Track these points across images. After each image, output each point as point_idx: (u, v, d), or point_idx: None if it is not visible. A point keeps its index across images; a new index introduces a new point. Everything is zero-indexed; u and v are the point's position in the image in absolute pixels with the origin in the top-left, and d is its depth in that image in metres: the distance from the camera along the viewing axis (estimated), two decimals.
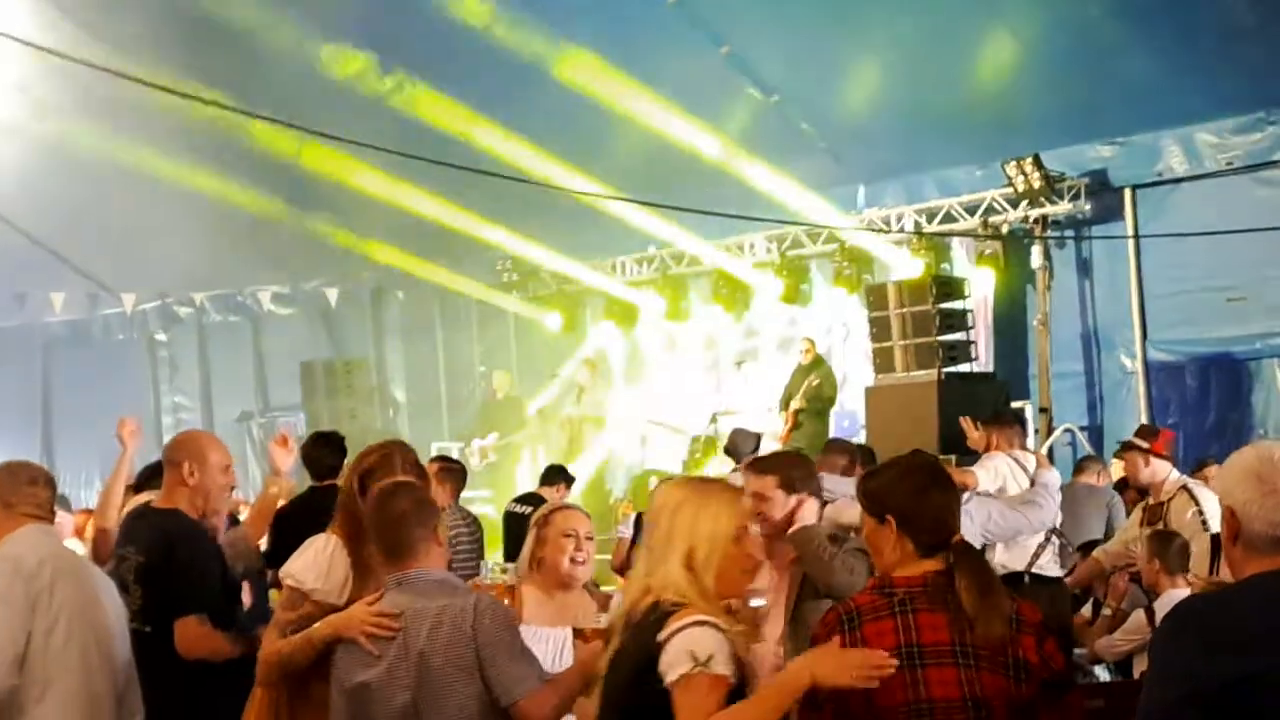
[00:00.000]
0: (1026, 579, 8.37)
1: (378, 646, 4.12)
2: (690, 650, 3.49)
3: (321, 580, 4.60)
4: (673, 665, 3.50)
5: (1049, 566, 8.49)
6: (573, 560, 5.12)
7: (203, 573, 5.32)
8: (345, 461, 8.52)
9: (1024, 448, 8.90)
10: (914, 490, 3.76)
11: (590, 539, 5.20)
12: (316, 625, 4.37)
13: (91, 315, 23.72)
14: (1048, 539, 8.44)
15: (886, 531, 3.74)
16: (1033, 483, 8.31)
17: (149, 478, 7.49)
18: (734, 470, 8.61)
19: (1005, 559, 8.37)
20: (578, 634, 4.48)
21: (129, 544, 5.41)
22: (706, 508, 3.74)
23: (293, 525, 8.17)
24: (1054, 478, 8.36)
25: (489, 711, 4.05)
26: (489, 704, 4.05)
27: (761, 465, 5.18)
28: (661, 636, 3.55)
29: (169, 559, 5.29)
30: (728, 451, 11.71)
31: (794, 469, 5.12)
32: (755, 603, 4.49)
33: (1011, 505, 8.02)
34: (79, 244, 20.47)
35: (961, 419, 9.54)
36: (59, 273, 21.48)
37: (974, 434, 9.15)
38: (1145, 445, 8.45)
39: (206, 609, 5.25)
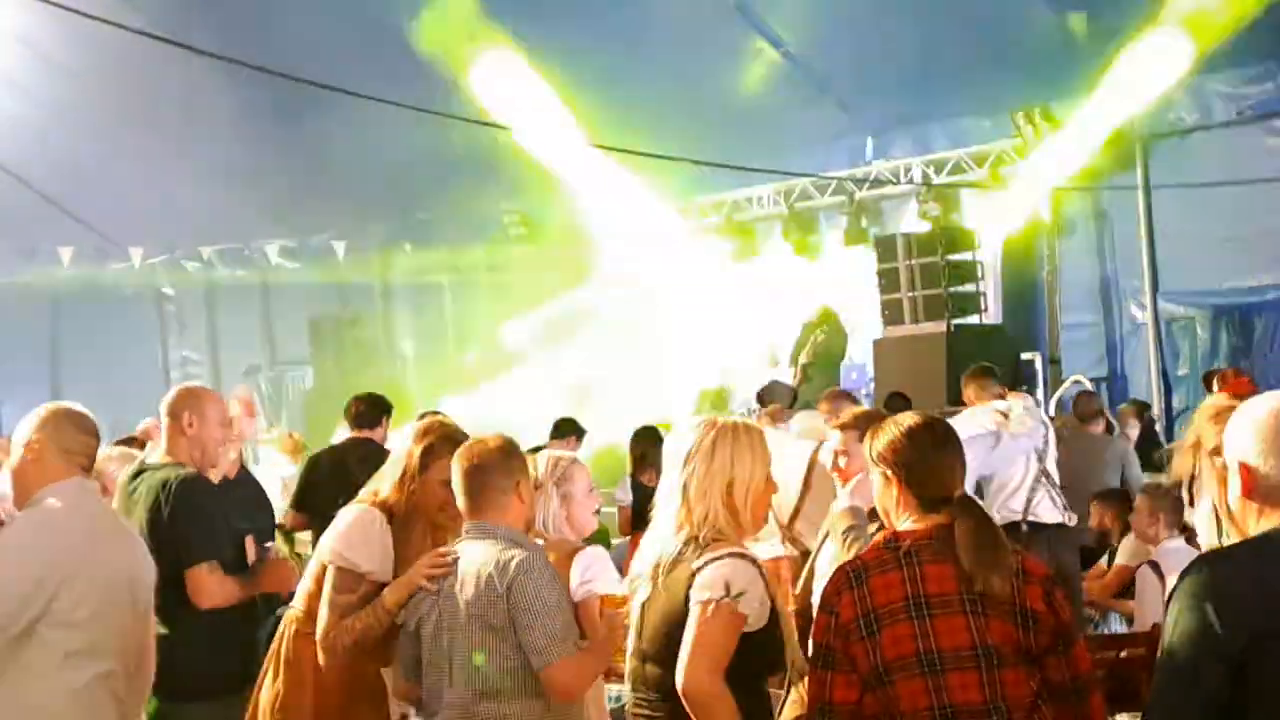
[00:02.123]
0: (1024, 526, 8.33)
1: (434, 585, 4.21)
2: (727, 579, 3.65)
3: (376, 563, 4.59)
4: (706, 587, 3.65)
5: (1046, 513, 8.41)
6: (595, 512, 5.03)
7: (208, 520, 5.29)
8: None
9: (1001, 396, 8.84)
10: (917, 448, 3.82)
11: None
12: (385, 592, 4.40)
13: (99, 270, 23.70)
14: (1036, 483, 8.39)
15: (892, 488, 3.82)
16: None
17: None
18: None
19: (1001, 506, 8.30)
20: (605, 600, 4.40)
21: (133, 503, 5.38)
22: (741, 446, 3.88)
23: (326, 472, 8.32)
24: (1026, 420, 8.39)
25: (519, 670, 4.05)
26: (522, 663, 4.04)
27: (846, 423, 5.29)
28: (698, 563, 3.70)
29: (172, 510, 5.26)
30: (760, 399, 12.22)
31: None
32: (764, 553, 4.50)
33: None
34: (87, 198, 20.43)
35: None
36: (67, 227, 21.46)
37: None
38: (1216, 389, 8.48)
39: (216, 556, 5.23)
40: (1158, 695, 3.08)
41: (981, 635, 3.56)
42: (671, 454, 3.98)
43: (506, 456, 4.31)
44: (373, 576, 4.56)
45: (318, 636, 4.60)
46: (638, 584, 3.95)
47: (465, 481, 4.29)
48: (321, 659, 4.58)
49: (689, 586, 3.70)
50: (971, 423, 8.18)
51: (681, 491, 3.87)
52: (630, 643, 3.95)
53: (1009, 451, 8.20)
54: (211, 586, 5.18)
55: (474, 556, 4.16)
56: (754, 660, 3.74)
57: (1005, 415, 8.38)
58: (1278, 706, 2.93)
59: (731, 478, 3.82)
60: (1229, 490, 3.16)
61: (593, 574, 4.36)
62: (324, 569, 4.71)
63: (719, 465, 3.84)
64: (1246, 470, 3.09)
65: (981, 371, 9.11)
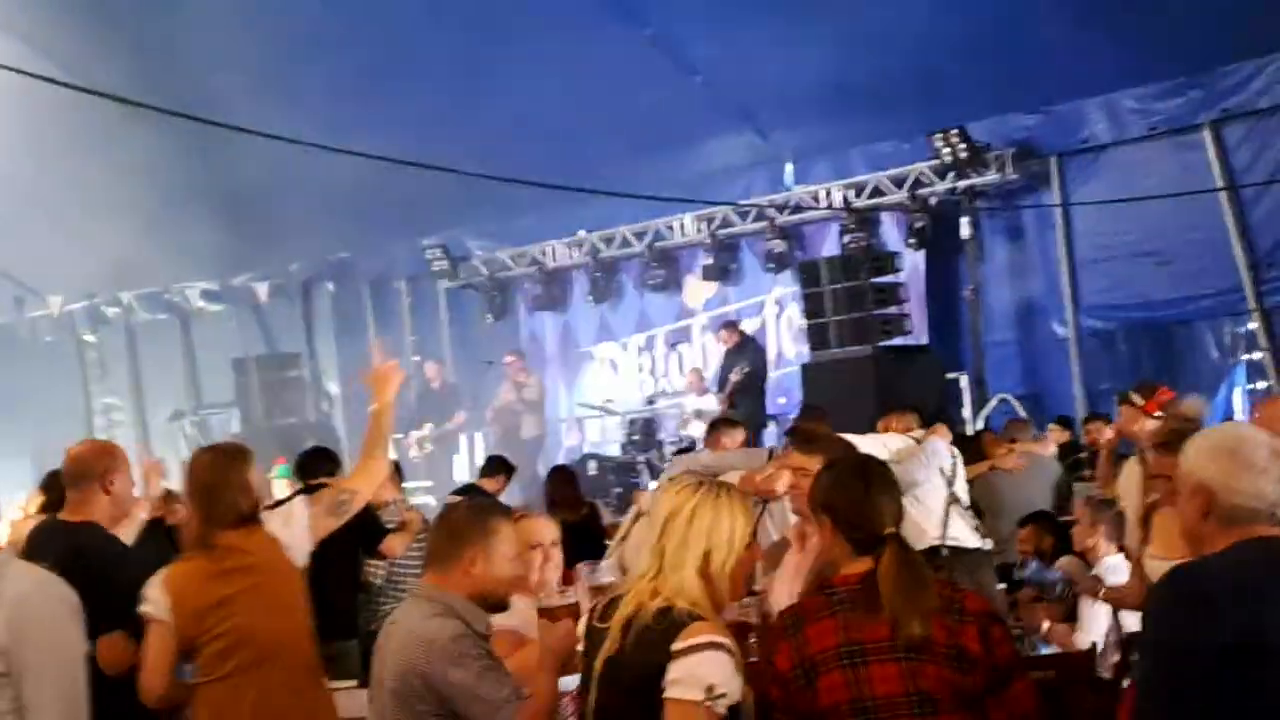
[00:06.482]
0: (944, 551, 8.20)
1: None
2: (707, 681, 3.48)
3: None
4: (682, 684, 3.48)
5: (966, 538, 8.26)
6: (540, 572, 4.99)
7: (118, 585, 5.11)
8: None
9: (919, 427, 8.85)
10: (844, 489, 3.80)
11: (556, 545, 5.06)
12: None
13: (17, 318, 23.36)
14: (947, 508, 8.25)
15: (825, 531, 3.81)
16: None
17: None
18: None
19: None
20: (544, 613, 4.30)
21: (39, 561, 5.23)
22: (722, 514, 3.73)
23: None
24: (938, 444, 8.25)
25: None
26: None
27: (809, 444, 5.31)
28: (677, 646, 3.52)
29: (85, 574, 5.04)
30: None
31: (839, 449, 5.21)
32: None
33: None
34: (1, 247, 20.15)
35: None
36: None
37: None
38: (1140, 403, 8.52)
39: (126, 622, 5.06)
40: (1140, 712, 3.11)
41: (915, 681, 3.50)
42: (653, 514, 3.88)
43: (461, 524, 4.24)
44: None
45: None
46: (597, 632, 3.78)
47: (429, 540, 4.31)
48: None
49: (663, 662, 3.52)
50: (874, 442, 8.04)
51: (658, 556, 3.73)
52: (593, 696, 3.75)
53: (913, 473, 8.06)
54: (121, 654, 5.02)
55: (398, 625, 4.14)
56: None
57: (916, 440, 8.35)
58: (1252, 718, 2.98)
59: (708, 550, 3.68)
60: (1189, 510, 3.25)
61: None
62: None
63: (696, 535, 3.69)
64: (1207, 491, 3.20)
65: (905, 408, 9.26)
